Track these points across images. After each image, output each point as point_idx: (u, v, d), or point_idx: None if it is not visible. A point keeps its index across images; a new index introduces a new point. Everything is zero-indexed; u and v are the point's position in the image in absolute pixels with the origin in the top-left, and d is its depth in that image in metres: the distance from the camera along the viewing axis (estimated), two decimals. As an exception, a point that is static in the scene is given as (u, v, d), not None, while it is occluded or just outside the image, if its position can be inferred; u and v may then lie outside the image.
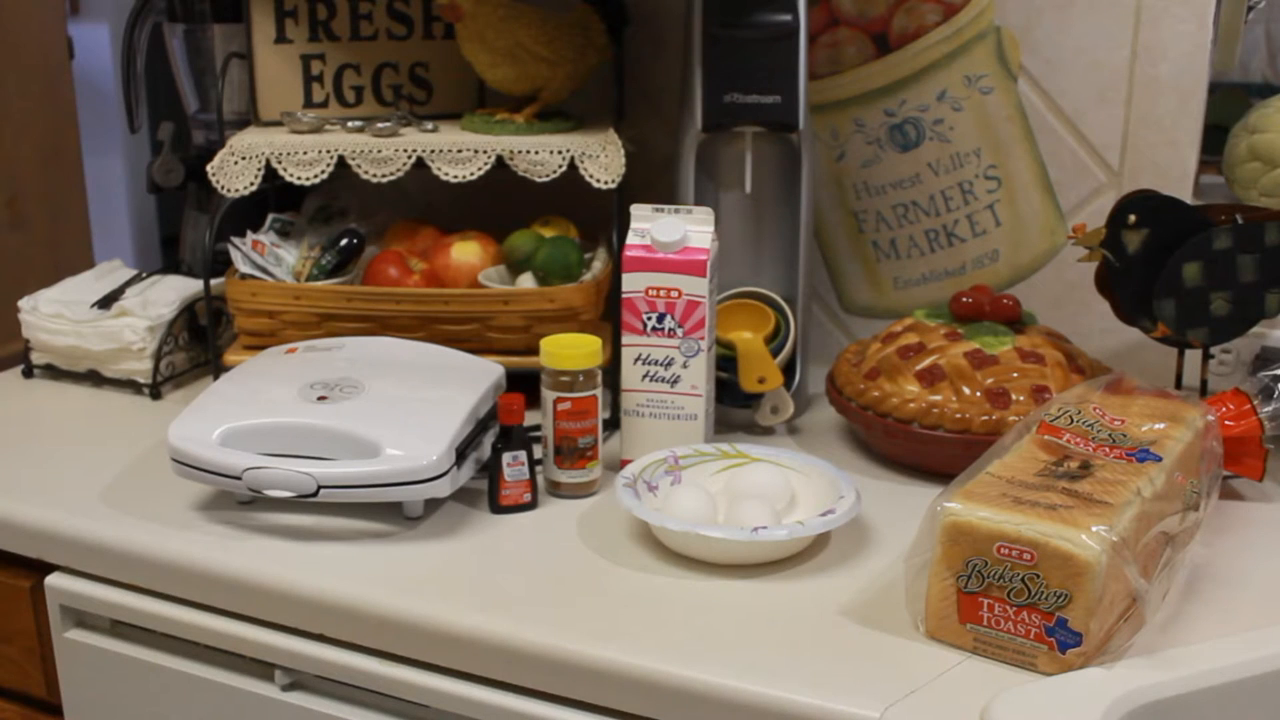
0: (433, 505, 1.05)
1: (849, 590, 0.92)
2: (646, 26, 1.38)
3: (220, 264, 1.29)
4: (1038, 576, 0.80)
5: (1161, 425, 0.94)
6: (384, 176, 1.19)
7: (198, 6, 1.44)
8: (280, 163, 1.20)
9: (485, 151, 1.19)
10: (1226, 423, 1.02)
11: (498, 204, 1.36)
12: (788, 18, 1.15)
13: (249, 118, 1.33)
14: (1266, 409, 1.03)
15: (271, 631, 0.96)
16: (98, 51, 2.28)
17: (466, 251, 1.27)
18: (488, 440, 1.07)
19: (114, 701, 1.05)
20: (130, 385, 1.31)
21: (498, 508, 1.04)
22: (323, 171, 1.20)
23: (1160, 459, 0.89)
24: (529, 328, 1.20)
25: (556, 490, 1.08)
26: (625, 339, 1.10)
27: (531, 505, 1.05)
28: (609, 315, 1.24)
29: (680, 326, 1.09)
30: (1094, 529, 0.79)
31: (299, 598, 0.94)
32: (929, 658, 0.83)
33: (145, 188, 1.49)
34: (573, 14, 1.25)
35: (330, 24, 1.30)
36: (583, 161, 1.18)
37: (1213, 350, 1.17)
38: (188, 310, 1.33)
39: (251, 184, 1.20)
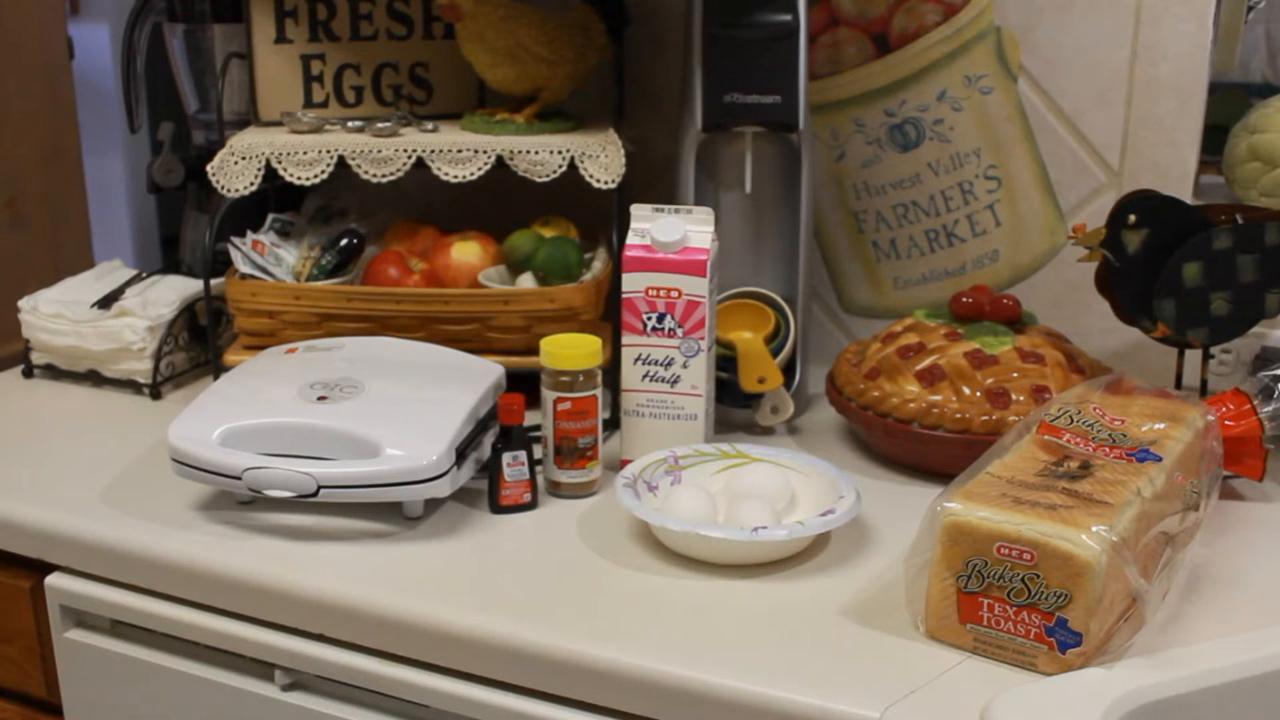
0: (433, 505, 1.05)
1: (849, 590, 0.92)
2: (646, 26, 1.38)
3: (220, 264, 1.29)
4: (1038, 576, 0.80)
5: (1161, 425, 0.94)
6: (384, 176, 1.19)
7: (198, 6, 1.44)
8: (280, 163, 1.20)
9: (485, 151, 1.19)
10: (1226, 423, 1.02)
11: (498, 204, 1.36)
12: (788, 18, 1.15)
13: (249, 118, 1.33)
14: (1266, 409, 1.03)
15: (271, 631, 0.96)
16: (98, 51, 2.28)
17: (466, 251, 1.27)
18: (488, 440, 1.07)
19: (114, 701, 1.05)
20: (130, 385, 1.31)
21: (498, 508, 1.04)
22: (323, 171, 1.20)
23: (1160, 459, 0.89)
24: (529, 328, 1.20)
25: (556, 490, 1.08)
26: (625, 339, 1.10)
27: (531, 505, 1.05)
28: (609, 315, 1.24)
29: (680, 326, 1.09)
30: (1094, 529, 0.79)
31: (299, 598, 0.94)
32: (929, 658, 0.83)
33: (145, 188, 1.49)
34: (573, 14, 1.25)
35: (330, 24, 1.30)
36: (583, 161, 1.18)
37: (1213, 350, 1.17)
38: (188, 310, 1.33)
39: (251, 184, 1.20)
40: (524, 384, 1.11)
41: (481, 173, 1.19)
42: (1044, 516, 0.81)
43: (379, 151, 1.19)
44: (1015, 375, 1.08)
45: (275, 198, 1.39)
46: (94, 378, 1.33)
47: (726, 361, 1.19)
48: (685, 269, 1.08)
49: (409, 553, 0.98)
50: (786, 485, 1.03)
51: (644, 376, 1.11)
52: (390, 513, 1.03)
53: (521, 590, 0.92)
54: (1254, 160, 1.19)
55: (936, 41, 1.29)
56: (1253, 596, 0.91)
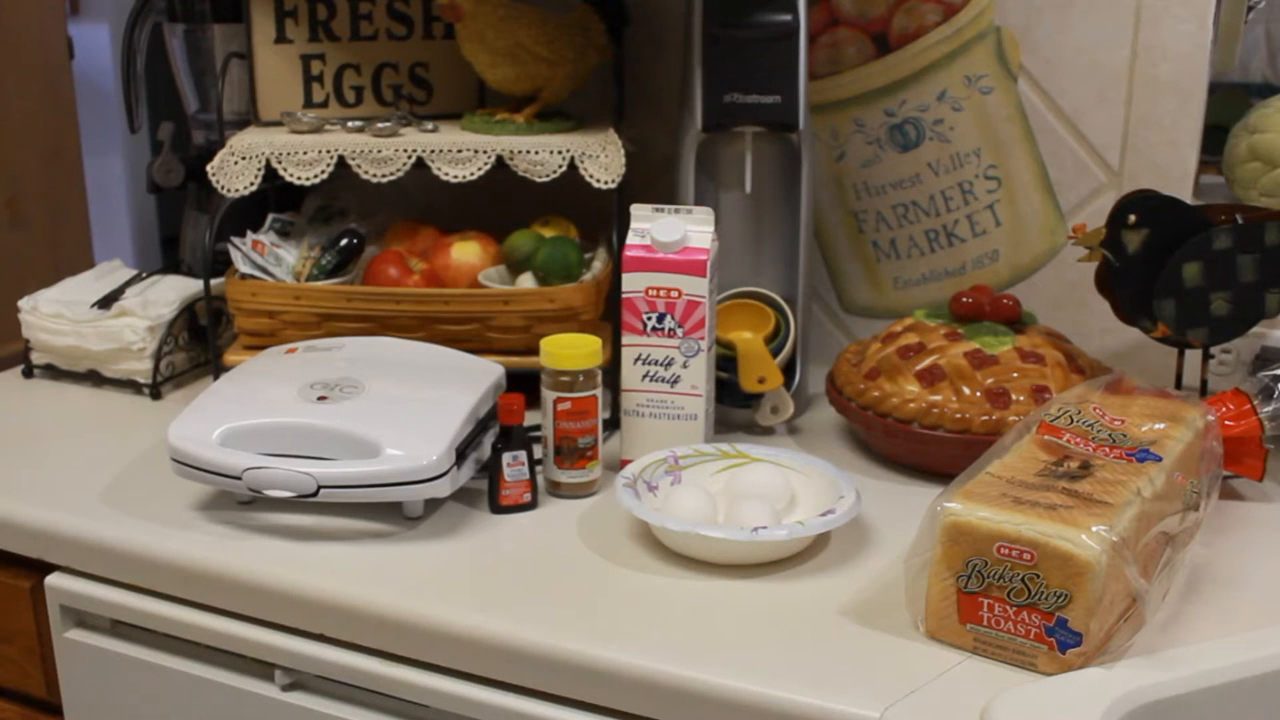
0: (433, 505, 1.05)
1: (849, 590, 0.92)
2: (646, 26, 1.38)
3: (220, 264, 1.29)
4: (1038, 576, 0.80)
5: (1161, 425, 0.94)
6: (384, 176, 1.19)
7: (198, 6, 1.44)
8: (280, 163, 1.20)
9: (485, 151, 1.19)
10: (1226, 423, 1.02)
11: (498, 204, 1.36)
12: (788, 18, 1.15)
13: (249, 118, 1.33)
14: (1266, 409, 1.03)
15: (271, 631, 0.96)
16: (98, 51, 2.28)
17: (466, 251, 1.27)
18: (488, 440, 1.07)
19: (114, 701, 1.05)
20: (130, 385, 1.31)
21: (498, 508, 1.04)
22: (323, 171, 1.20)
23: (1160, 459, 0.89)
24: (529, 328, 1.20)
25: (556, 490, 1.08)
26: (625, 339, 1.10)
27: (531, 505, 1.05)
28: (609, 315, 1.24)
29: (680, 326, 1.09)
30: (1094, 529, 0.79)
31: (299, 598, 0.94)
32: (929, 658, 0.83)
33: (145, 188, 1.49)
34: (573, 14, 1.25)
35: (330, 24, 1.30)
36: (583, 161, 1.18)
37: (1213, 350, 1.17)
38: (188, 310, 1.33)
39: (251, 184, 1.20)
40: (524, 384, 1.11)
41: (481, 173, 1.19)
42: (1044, 516, 0.81)
43: (379, 151, 1.19)
44: (1015, 375, 1.08)
45: (275, 198, 1.38)
46: (94, 378, 1.33)
47: (726, 361, 1.19)
48: (685, 269, 1.08)
49: (409, 553, 0.98)
50: (786, 485, 1.03)
51: (644, 376, 1.11)
52: (390, 513, 1.03)
53: (521, 590, 0.92)
54: (1254, 160, 1.19)
55: (936, 41, 1.29)
56: (1253, 596, 0.91)
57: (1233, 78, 1.25)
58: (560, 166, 1.18)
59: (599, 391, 1.07)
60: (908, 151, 1.33)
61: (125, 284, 1.36)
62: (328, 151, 1.20)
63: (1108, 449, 0.90)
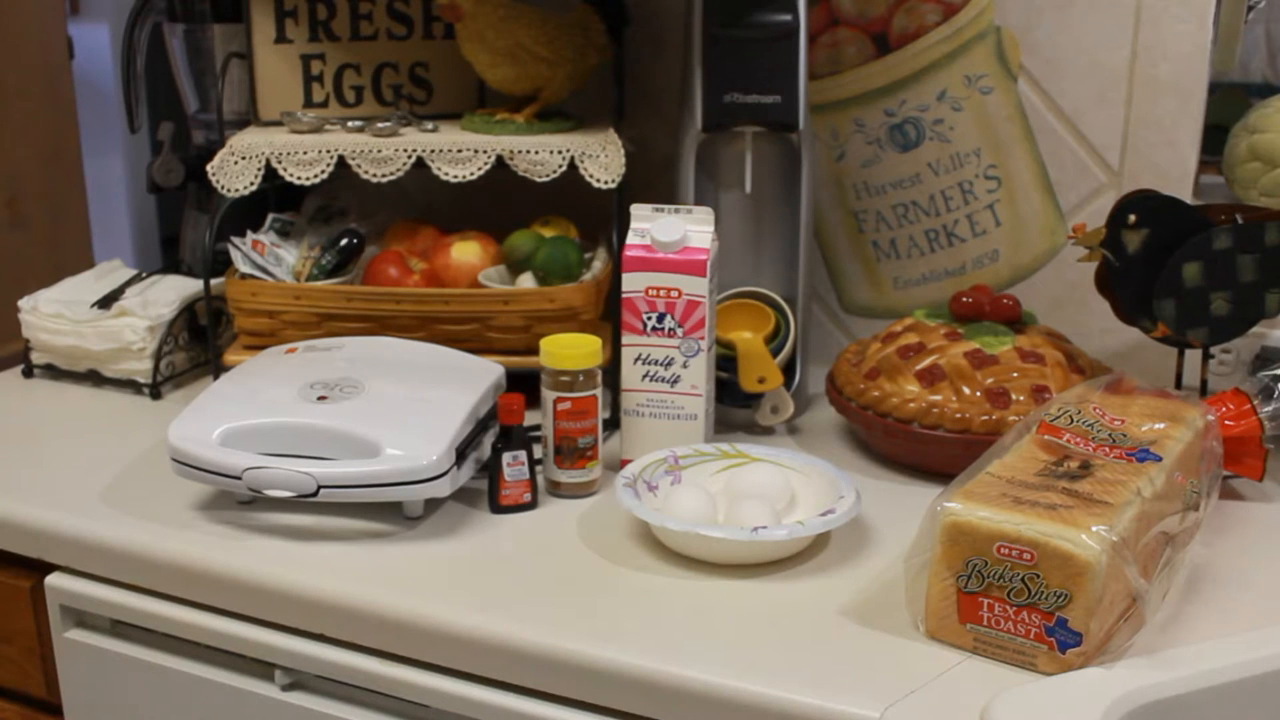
0: (433, 505, 1.05)
1: (849, 590, 0.92)
2: (646, 26, 1.38)
3: (220, 264, 1.29)
4: (1038, 576, 0.80)
5: (1161, 425, 0.94)
6: (384, 176, 1.19)
7: (198, 6, 1.44)
8: (280, 163, 1.20)
9: (485, 151, 1.19)
10: (1226, 423, 1.02)
11: (498, 204, 1.36)
12: (788, 18, 1.15)
13: (249, 118, 1.33)
14: (1266, 409, 1.03)
15: (271, 631, 0.96)
16: (98, 51, 2.28)
17: (466, 251, 1.27)
18: (488, 440, 1.07)
19: (114, 701, 1.05)
20: (130, 385, 1.31)
21: (498, 508, 1.04)
22: (323, 171, 1.20)
23: (1160, 459, 0.89)
24: (529, 328, 1.20)
25: (556, 490, 1.08)
26: (625, 339, 1.10)
27: (531, 505, 1.05)
28: (609, 315, 1.24)
29: (680, 326, 1.09)
30: (1094, 529, 0.79)
31: (299, 598, 0.94)
32: (929, 658, 0.83)
33: (145, 188, 1.49)
34: (573, 14, 1.25)
35: (330, 24, 1.30)
36: (583, 161, 1.18)
37: (1213, 350, 1.17)
38: (188, 310, 1.33)
39: (251, 184, 1.20)
40: (524, 384, 1.11)
41: (481, 173, 1.19)
42: (1044, 516, 0.81)
43: (379, 151, 1.19)
44: (1015, 375, 1.08)
45: (275, 198, 1.38)
46: (94, 378, 1.33)
47: (726, 361, 1.19)
48: (685, 269, 1.08)
49: (409, 553, 0.98)
50: (786, 485, 1.03)
51: (644, 376, 1.11)
52: (390, 513, 1.03)
53: (521, 590, 0.92)
54: (1254, 160, 1.19)
55: (936, 41, 1.29)
56: (1253, 596, 0.91)
57: (1233, 78, 1.25)
58: (560, 166, 1.18)
59: (599, 391, 1.07)
60: (908, 151, 1.33)
61: (125, 284, 1.36)
62: (328, 151, 1.20)
63: (1108, 449, 0.90)
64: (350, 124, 1.24)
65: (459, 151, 1.19)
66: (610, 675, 0.84)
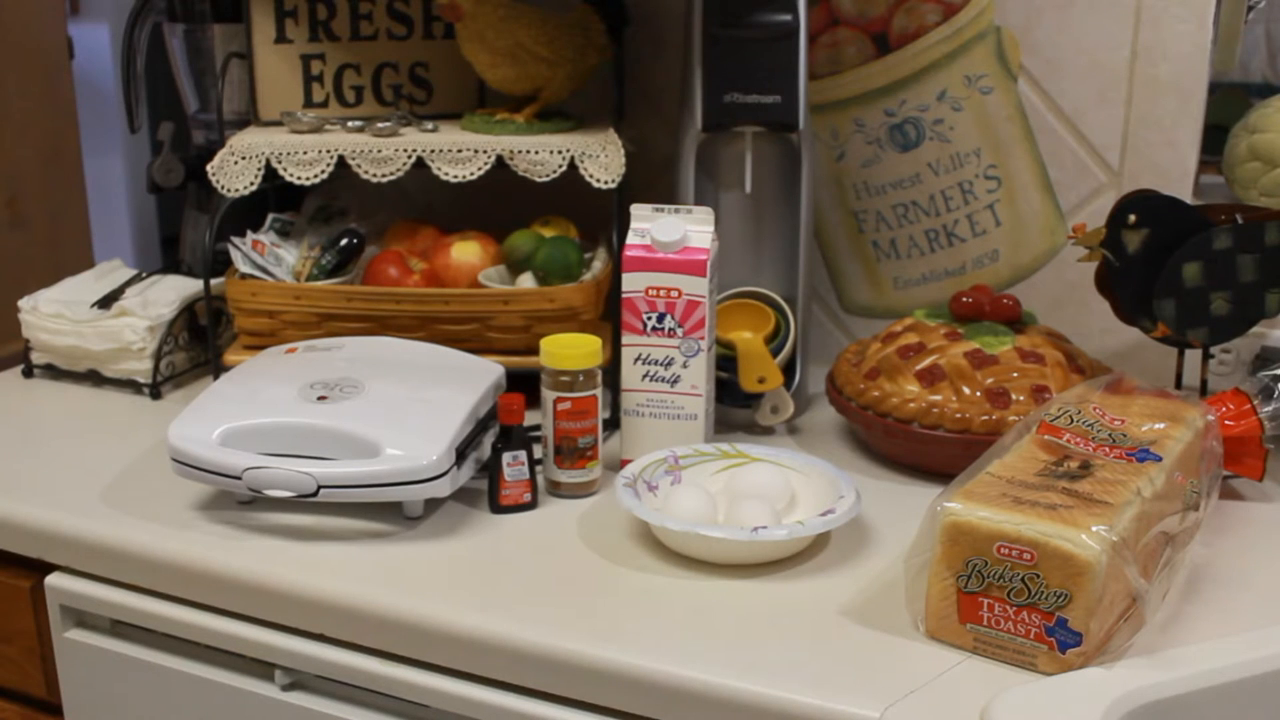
0: (433, 505, 1.05)
1: (849, 590, 0.92)
2: (646, 26, 1.38)
3: (220, 264, 1.29)
4: (1038, 576, 0.80)
5: (1161, 425, 0.94)
6: (384, 176, 1.19)
7: (198, 6, 1.44)
8: (280, 163, 1.20)
9: (485, 151, 1.19)
10: (1226, 423, 1.02)
11: (498, 204, 1.36)
12: (788, 18, 1.15)
13: (249, 118, 1.33)
14: (1266, 409, 1.03)
15: (271, 631, 0.96)
16: (98, 51, 2.28)
17: (466, 251, 1.27)
18: (488, 440, 1.07)
19: (114, 701, 1.05)
20: (130, 385, 1.31)
21: (498, 508, 1.04)
22: (323, 171, 1.20)
23: (1160, 459, 0.89)
24: (529, 328, 1.20)
25: (556, 490, 1.08)
26: (625, 339, 1.10)
27: (531, 505, 1.05)
28: (609, 315, 1.24)
29: (680, 326, 1.09)
30: (1094, 529, 0.79)
31: (299, 598, 0.94)
32: (929, 658, 0.83)
33: (145, 188, 1.49)
34: (573, 14, 1.25)
35: (330, 24, 1.30)
36: (583, 161, 1.18)
37: (1213, 350, 1.17)
38: (188, 310, 1.33)
39: (251, 184, 1.20)
40: (524, 384, 1.11)
41: (481, 173, 1.19)
42: (1044, 516, 0.81)
43: (379, 151, 1.19)
44: (1015, 375, 1.08)
45: (275, 198, 1.38)
46: (94, 378, 1.33)
47: (726, 361, 1.19)
48: (685, 269, 1.08)
49: (409, 553, 0.98)
50: (786, 485, 1.03)
51: (644, 376, 1.11)
52: (390, 513, 1.03)
53: (521, 590, 0.92)
54: (1254, 160, 1.19)
55: (936, 41, 1.29)
56: (1253, 596, 0.91)
57: (1233, 78, 1.25)
58: (560, 166, 1.18)
59: (599, 391, 1.07)
60: (908, 151, 1.33)
61: (125, 284, 1.36)
62: (328, 151, 1.20)
63: (1108, 449, 0.90)
64: (350, 124, 1.24)
65: (459, 151, 1.19)
66: (610, 675, 0.84)
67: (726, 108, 1.17)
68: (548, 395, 1.06)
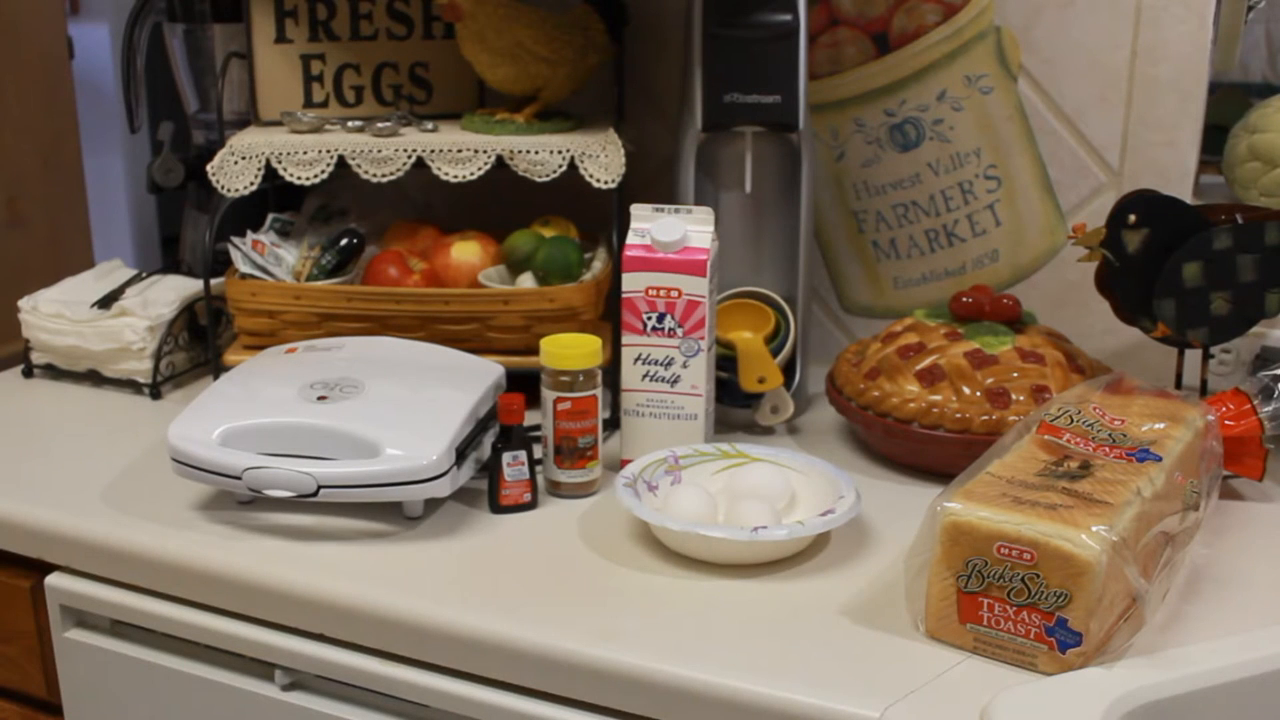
0: (433, 505, 1.05)
1: (849, 590, 0.92)
2: (646, 26, 1.38)
3: (220, 264, 1.29)
4: (1038, 576, 0.80)
5: (1161, 425, 0.94)
6: (384, 176, 1.19)
7: (198, 6, 1.44)
8: (280, 163, 1.20)
9: (485, 151, 1.19)
10: (1226, 423, 1.02)
11: (498, 204, 1.36)
12: (788, 18, 1.15)
13: (249, 118, 1.33)
14: (1266, 409, 1.03)
15: (271, 631, 0.96)
16: (98, 51, 2.28)
17: (466, 251, 1.27)
18: (488, 440, 1.07)
19: (114, 701, 1.05)
20: (130, 385, 1.31)
21: (498, 508, 1.04)
22: (323, 171, 1.20)
23: (1160, 459, 0.89)
24: (529, 328, 1.20)
25: (556, 490, 1.08)
26: (625, 339, 1.10)
27: (531, 505, 1.05)
28: (609, 315, 1.24)
29: (680, 326, 1.09)
30: (1094, 529, 0.79)
31: (299, 598, 0.94)
32: (929, 658, 0.83)
33: (145, 188, 1.49)
34: (573, 14, 1.26)
35: (330, 24, 1.30)
36: (583, 161, 1.18)
37: (1213, 350, 1.17)
38: (188, 310, 1.33)
39: (251, 184, 1.20)
40: (524, 384, 1.11)
41: (481, 173, 1.19)
42: (1044, 516, 0.81)
43: (379, 151, 1.19)
44: (1015, 375, 1.08)
45: (275, 198, 1.39)
46: (94, 378, 1.33)
47: (726, 361, 1.19)
48: (685, 269, 1.08)
49: (409, 553, 0.98)
50: (786, 485, 1.03)
51: (644, 376, 1.11)
52: (390, 513, 1.03)
53: (521, 590, 0.92)
54: (1254, 160, 1.19)
55: (936, 41, 1.29)
56: (1253, 596, 0.91)
57: (1233, 78, 1.25)
58: (560, 166, 1.18)
59: (599, 391, 1.07)
60: (908, 151, 1.33)
61: (125, 284, 1.36)
62: (328, 151, 1.20)
63: (1108, 449, 0.90)
64: (350, 124, 1.24)
65: (459, 151, 1.19)
66: (610, 675, 0.84)
67: (726, 108, 1.17)
68: (548, 395, 1.06)
